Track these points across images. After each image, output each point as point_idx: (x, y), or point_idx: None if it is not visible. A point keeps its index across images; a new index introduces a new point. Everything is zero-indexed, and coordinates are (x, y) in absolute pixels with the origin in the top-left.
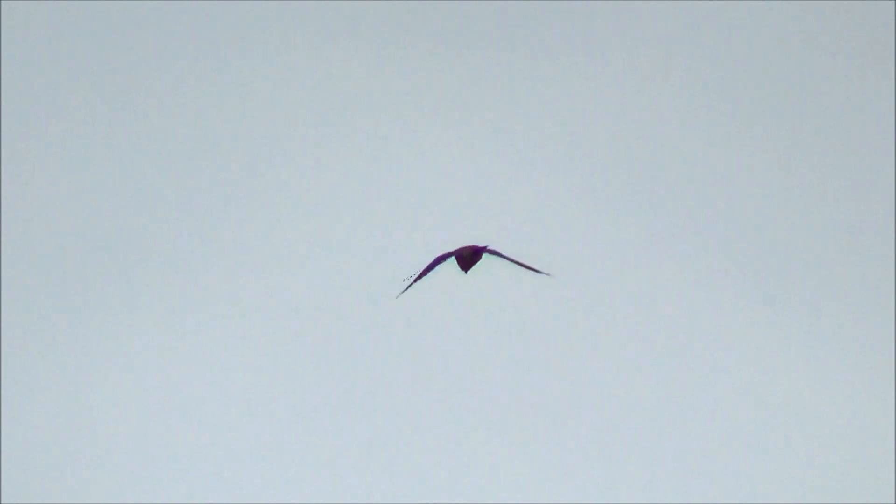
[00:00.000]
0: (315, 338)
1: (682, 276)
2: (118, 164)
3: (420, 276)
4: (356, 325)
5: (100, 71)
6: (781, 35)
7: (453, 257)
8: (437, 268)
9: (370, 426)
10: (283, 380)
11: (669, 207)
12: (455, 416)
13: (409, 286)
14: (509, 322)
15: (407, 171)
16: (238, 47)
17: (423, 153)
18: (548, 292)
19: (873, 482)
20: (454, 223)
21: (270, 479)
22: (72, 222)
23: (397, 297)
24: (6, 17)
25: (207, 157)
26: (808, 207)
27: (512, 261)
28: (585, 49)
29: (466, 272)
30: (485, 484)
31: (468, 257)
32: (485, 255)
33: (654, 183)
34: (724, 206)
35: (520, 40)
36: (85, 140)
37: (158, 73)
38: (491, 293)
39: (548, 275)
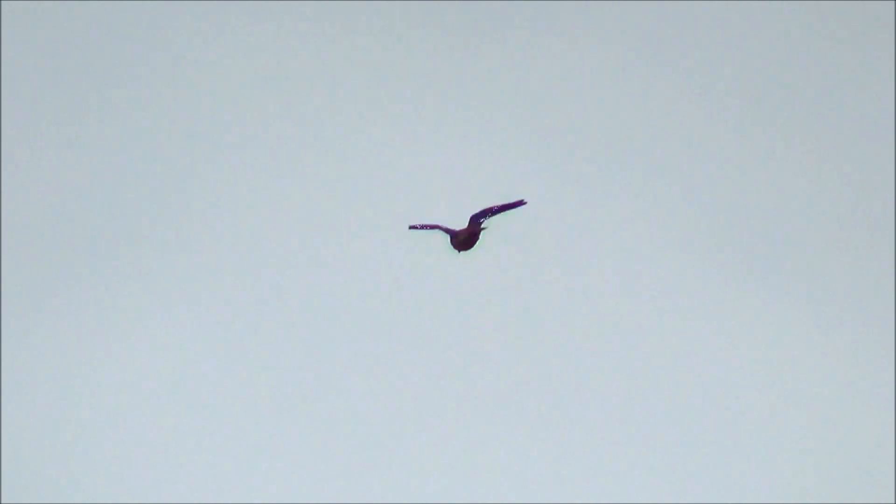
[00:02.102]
0: (310, 331)
1: (680, 270)
2: (110, 159)
3: (424, 227)
4: (351, 319)
5: (86, 68)
6: (780, 33)
7: (449, 235)
8: (436, 232)
9: (364, 421)
10: (276, 375)
11: (667, 201)
12: (449, 412)
13: (418, 228)
14: (506, 317)
15: (396, 161)
16: (225, 43)
17: (415, 143)
18: (541, 284)
19: (873, 482)
20: (445, 213)
21: (268, 477)
22: (66, 218)
23: (409, 228)
24: (6, 18)
25: (200, 150)
26: (807, 203)
27: (498, 210)
28: (577, 38)
29: (460, 252)
30: (481, 482)
31: (464, 240)
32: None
33: (651, 176)
34: (722, 199)
35: (508, 29)
36: (75, 135)
37: (150, 71)
38: (486, 285)
39: (524, 202)
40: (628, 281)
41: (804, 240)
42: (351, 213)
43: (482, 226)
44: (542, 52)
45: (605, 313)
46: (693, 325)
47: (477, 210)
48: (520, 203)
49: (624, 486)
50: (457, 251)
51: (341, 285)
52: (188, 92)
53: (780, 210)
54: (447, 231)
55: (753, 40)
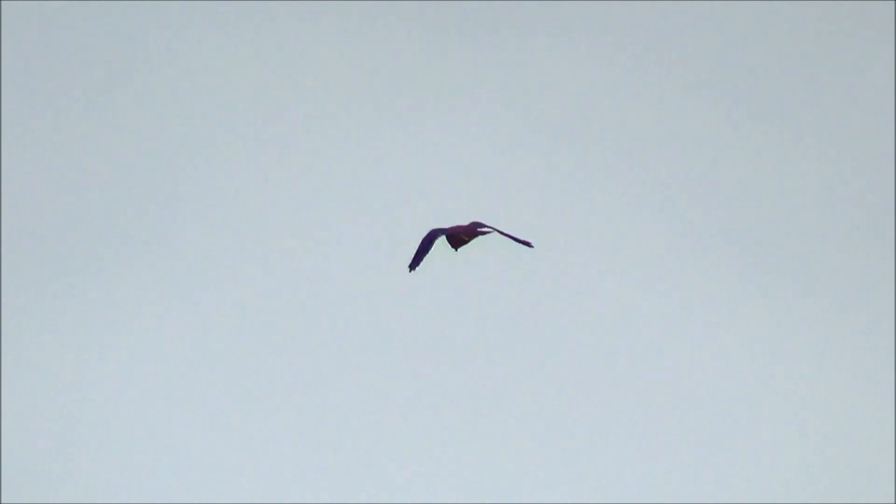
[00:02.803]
0: (306, 331)
1: (679, 271)
2: (108, 159)
3: (421, 254)
4: (347, 315)
5: (85, 68)
6: (780, 33)
7: (444, 235)
8: (435, 244)
9: (361, 421)
10: (274, 375)
11: (668, 203)
12: (447, 412)
13: (417, 263)
14: (506, 316)
15: (392, 161)
16: (226, 41)
17: (412, 143)
18: (540, 282)
19: (873, 482)
20: (443, 207)
21: (266, 477)
22: (62, 218)
23: (411, 272)
24: (6, 17)
25: (197, 151)
26: (806, 203)
27: (499, 232)
28: (576, 37)
29: (457, 249)
30: (480, 483)
31: (459, 238)
32: (476, 231)
33: (651, 177)
34: (723, 201)
35: (507, 28)
36: (73, 135)
37: (149, 72)
38: (484, 285)
39: (531, 246)
40: (627, 281)
41: (804, 240)
42: (348, 212)
43: (483, 230)
44: (540, 52)
45: (604, 314)
46: (691, 326)
47: (485, 224)
48: (525, 243)
49: (624, 487)
50: (453, 248)
51: (339, 286)
52: (186, 93)
53: (779, 210)
54: (444, 231)
55: (753, 40)
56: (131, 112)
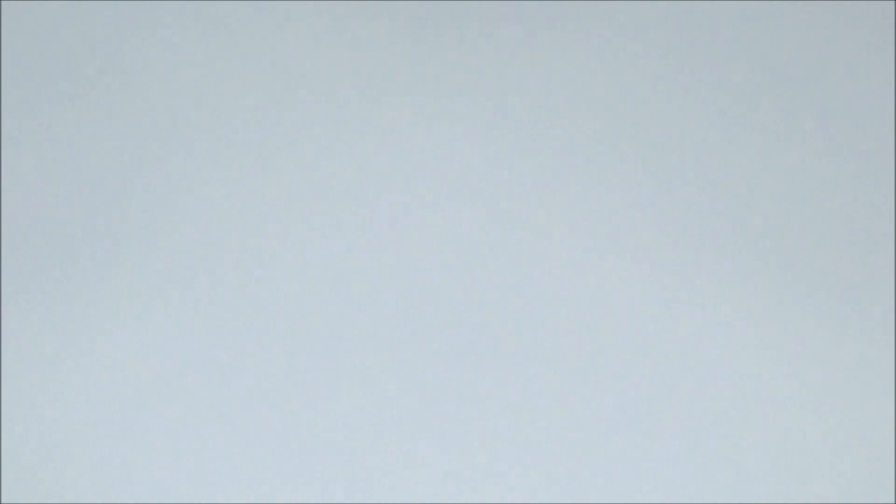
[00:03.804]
0: (302, 327)
1: (678, 270)
2: (102, 156)
3: None
4: (345, 315)
5: (80, 67)
6: (780, 32)
7: None
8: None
9: (358, 422)
10: (273, 373)
11: (665, 202)
12: (444, 412)
13: None
14: (503, 319)
15: (392, 155)
16: (226, 40)
17: (406, 142)
18: (539, 280)
19: (873, 482)
20: (442, 207)
21: (265, 476)
22: (57, 216)
23: None
24: (6, 17)
25: (188, 144)
26: (806, 203)
27: None
28: (573, 36)
29: None
30: (480, 483)
31: None
32: None
33: (647, 175)
34: (722, 200)
35: (501, 22)
36: (65, 133)
37: (143, 70)
38: (482, 285)
39: None
40: (626, 280)
41: (803, 239)
42: (344, 212)
43: None
44: (537, 50)
45: (603, 313)
46: (690, 326)
47: None
48: None
49: (624, 486)
50: None
51: (335, 285)
52: (182, 92)
53: (777, 210)
54: None
55: (753, 39)
56: (129, 111)
